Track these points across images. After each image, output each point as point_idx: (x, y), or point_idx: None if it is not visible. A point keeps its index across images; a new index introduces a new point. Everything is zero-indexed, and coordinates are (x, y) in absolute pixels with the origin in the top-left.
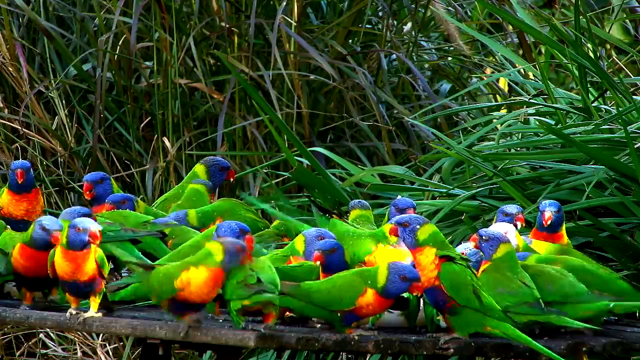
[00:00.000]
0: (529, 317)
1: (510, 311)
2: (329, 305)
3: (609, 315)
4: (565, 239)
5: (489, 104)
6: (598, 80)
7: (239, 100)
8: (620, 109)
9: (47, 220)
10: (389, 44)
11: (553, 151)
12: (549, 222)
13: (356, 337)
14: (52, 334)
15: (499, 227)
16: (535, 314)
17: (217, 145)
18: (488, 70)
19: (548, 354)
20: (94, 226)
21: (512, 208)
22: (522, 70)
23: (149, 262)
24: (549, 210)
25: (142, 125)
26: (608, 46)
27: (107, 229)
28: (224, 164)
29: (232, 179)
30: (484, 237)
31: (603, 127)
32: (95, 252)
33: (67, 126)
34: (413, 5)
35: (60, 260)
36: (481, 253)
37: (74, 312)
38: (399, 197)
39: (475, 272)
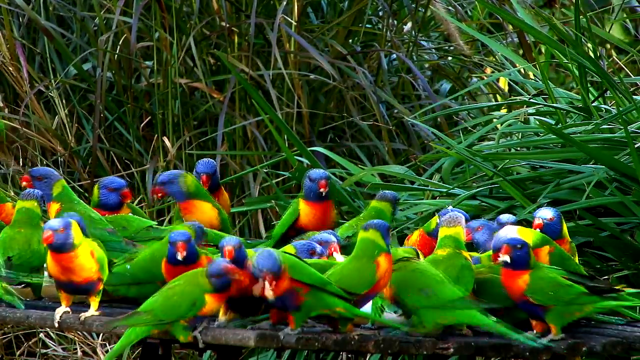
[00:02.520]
0: (593, 305)
1: (574, 303)
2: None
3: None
4: (567, 240)
5: (489, 103)
6: (598, 80)
7: (239, 99)
8: (621, 108)
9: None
10: (389, 44)
11: (553, 151)
12: (537, 229)
13: (356, 337)
14: (52, 334)
15: (508, 231)
16: (597, 301)
17: (217, 145)
18: (488, 70)
19: (509, 335)
20: (46, 230)
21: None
22: (522, 70)
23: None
24: (538, 218)
25: (142, 124)
26: (608, 46)
27: (108, 239)
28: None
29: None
30: (518, 246)
31: (603, 126)
32: (94, 254)
33: (67, 126)
34: (413, 5)
35: (49, 262)
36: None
37: (62, 310)
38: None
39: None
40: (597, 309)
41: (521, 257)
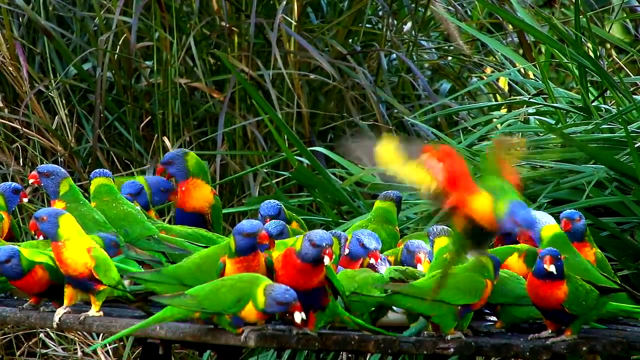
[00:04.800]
0: (605, 308)
1: (595, 307)
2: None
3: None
4: (588, 248)
5: (489, 103)
6: (598, 79)
7: (239, 99)
8: (621, 108)
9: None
10: (389, 44)
11: (553, 151)
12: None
13: (356, 337)
14: (52, 334)
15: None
16: (607, 302)
17: (217, 144)
18: (488, 70)
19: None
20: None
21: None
22: (522, 70)
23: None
24: (565, 218)
25: (142, 124)
26: (608, 45)
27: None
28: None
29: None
30: (559, 257)
31: (603, 126)
32: (91, 251)
33: (67, 126)
34: (413, 5)
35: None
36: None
37: (62, 310)
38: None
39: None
40: (606, 311)
41: (561, 267)
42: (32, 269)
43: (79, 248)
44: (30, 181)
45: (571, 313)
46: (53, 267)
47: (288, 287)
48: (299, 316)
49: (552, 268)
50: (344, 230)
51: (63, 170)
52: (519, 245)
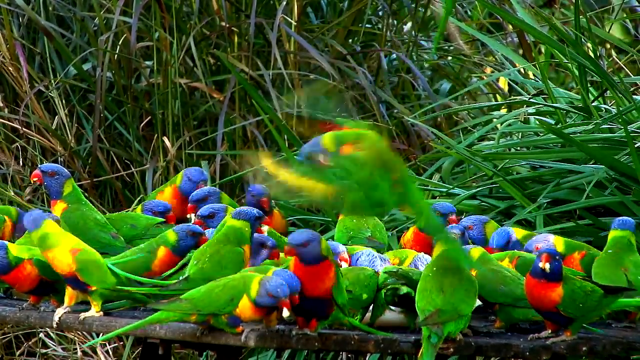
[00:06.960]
0: (609, 307)
1: (597, 309)
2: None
3: None
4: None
5: (489, 103)
6: (598, 79)
7: (239, 99)
8: (620, 108)
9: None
10: (389, 44)
11: (553, 151)
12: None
13: (356, 337)
14: (52, 334)
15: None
16: (613, 301)
17: (217, 145)
18: (488, 70)
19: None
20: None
21: None
22: (522, 70)
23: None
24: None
25: (142, 124)
26: (608, 46)
27: (112, 243)
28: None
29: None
30: (556, 257)
31: (603, 126)
32: (75, 253)
33: (67, 126)
34: (413, 5)
35: None
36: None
37: (62, 310)
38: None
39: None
40: (612, 309)
41: (558, 268)
42: (20, 263)
43: (62, 249)
44: (33, 180)
45: (567, 316)
46: (42, 263)
47: (284, 283)
48: (286, 313)
49: (546, 265)
50: None
51: (66, 170)
52: (513, 252)
